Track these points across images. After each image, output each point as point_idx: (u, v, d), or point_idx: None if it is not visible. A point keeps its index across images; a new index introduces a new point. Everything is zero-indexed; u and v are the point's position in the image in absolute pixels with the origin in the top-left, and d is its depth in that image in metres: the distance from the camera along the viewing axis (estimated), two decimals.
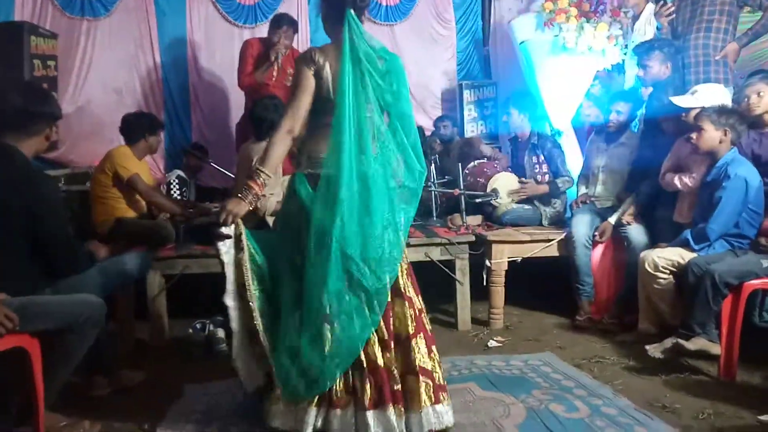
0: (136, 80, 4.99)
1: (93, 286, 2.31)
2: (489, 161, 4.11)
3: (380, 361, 2.01)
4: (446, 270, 3.34)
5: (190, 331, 3.28)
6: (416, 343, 2.07)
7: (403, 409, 2.00)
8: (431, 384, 2.05)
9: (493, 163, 4.04)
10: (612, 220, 3.39)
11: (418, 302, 2.16)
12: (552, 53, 4.27)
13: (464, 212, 3.67)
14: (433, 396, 2.04)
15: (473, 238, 3.44)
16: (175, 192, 4.17)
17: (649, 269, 2.89)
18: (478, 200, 3.76)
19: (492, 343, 3.16)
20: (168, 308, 3.19)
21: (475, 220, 3.74)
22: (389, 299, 2.05)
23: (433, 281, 3.51)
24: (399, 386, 2.01)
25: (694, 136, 2.85)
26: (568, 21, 4.18)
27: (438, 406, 2.04)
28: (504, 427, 2.19)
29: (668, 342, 2.64)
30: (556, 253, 3.49)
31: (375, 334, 2.02)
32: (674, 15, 3.72)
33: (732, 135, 2.77)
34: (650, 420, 2.24)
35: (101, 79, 4.89)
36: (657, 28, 3.80)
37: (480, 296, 3.49)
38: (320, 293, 1.95)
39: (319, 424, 2.01)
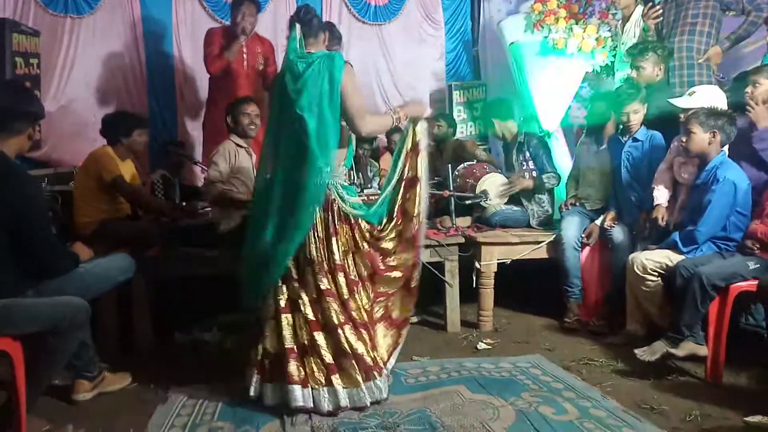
0: (120, 79, 4.91)
1: (77, 288, 2.27)
2: (479, 163, 4.10)
3: (311, 342, 2.35)
4: (435, 272, 3.33)
5: (176, 334, 3.24)
6: (343, 331, 2.35)
7: (341, 381, 2.33)
8: (361, 365, 2.34)
9: (483, 165, 4.03)
10: (598, 222, 3.41)
11: (347, 297, 2.39)
12: (541, 55, 4.28)
13: (453, 214, 3.66)
14: (364, 374, 2.34)
15: (463, 240, 3.43)
16: (159, 192, 4.12)
17: (638, 271, 2.90)
18: (467, 202, 3.75)
19: (481, 345, 3.16)
20: (153, 311, 3.14)
21: (464, 221, 3.73)
22: (313, 297, 2.38)
23: (422, 283, 3.49)
24: (334, 363, 2.34)
25: (684, 139, 2.87)
26: (557, 23, 4.18)
27: (369, 383, 2.35)
28: (493, 430, 2.19)
29: (657, 349, 2.65)
30: (545, 255, 3.50)
31: (307, 324, 2.36)
32: (661, 18, 3.74)
33: (721, 137, 2.78)
34: (638, 422, 2.25)
35: (85, 77, 4.81)
36: (644, 30, 3.82)
37: (469, 298, 3.49)
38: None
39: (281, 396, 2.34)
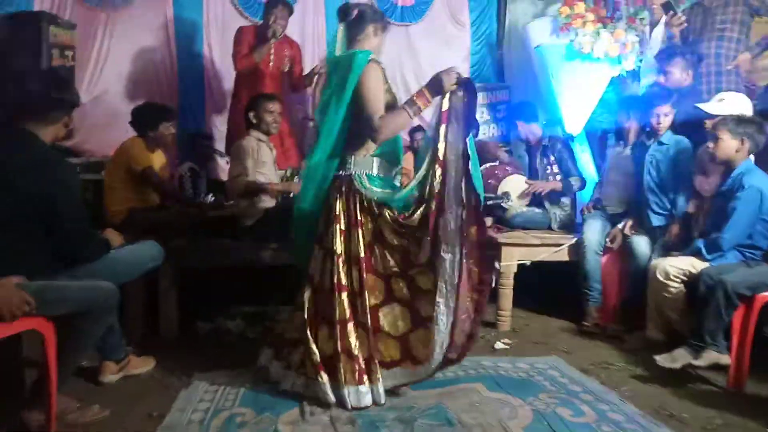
0: (151, 72, 5.01)
1: (108, 272, 2.32)
2: (501, 164, 4.11)
3: (305, 342, 2.38)
4: None
5: (198, 323, 3.30)
6: (345, 328, 2.32)
7: (327, 380, 2.31)
8: (352, 366, 2.30)
9: (504, 166, 4.04)
10: (620, 226, 3.40)
11: (357, 293, 2.35)
12: (567, 58, 4.27)
13: None
14: (356, 376, 2.30)
15: None
16: (187, 185, 4.19)
17: (660, 278, 2.89)
18: (489, 202, 3.76)
19: (499, 345, 3.17)
20: (178, 300, 3.20)
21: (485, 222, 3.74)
22: (323, 292, 2.40)
23: None
24: (321, 363, 2.33)
25: (711, 144, 2.85)
26: (584, 26, 4.17)
27: (361, 387, 2.30)
28: (510, 429, 2.20)
29: (679, 357, 2.63)
30: (566, 258, 3.49)
31: (307, 323, 2.39)
32: (685, 25, 3.71)
33: (749, 144, 2.76)
34: (657, 428, 2.24)
35: (117, 70, 4.91)
36: (668, 37, 3.79)
37: (488, 298, 3.48)
38: None
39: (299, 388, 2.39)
